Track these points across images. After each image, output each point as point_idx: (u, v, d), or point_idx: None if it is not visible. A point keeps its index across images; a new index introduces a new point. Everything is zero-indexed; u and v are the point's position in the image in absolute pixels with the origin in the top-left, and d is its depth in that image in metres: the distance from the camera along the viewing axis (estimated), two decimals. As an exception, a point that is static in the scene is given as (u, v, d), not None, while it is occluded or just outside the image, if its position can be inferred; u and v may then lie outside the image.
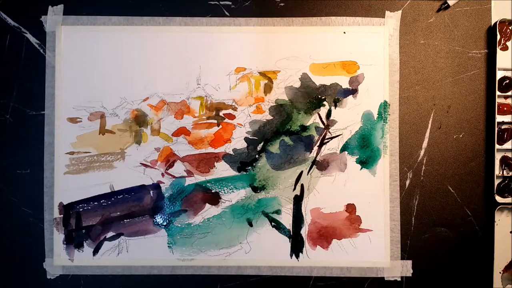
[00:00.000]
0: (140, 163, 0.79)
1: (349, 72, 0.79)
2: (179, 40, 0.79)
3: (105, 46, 0.79)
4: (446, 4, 0.78)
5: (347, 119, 0.78)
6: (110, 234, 0.79)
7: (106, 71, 0.79)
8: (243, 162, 0.79)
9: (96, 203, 0.79)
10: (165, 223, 0.79)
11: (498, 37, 0.77)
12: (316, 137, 0.79)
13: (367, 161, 0.78)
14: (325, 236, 0.78)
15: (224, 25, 0.79)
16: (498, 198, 0.77)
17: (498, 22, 0.77)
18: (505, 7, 0.78)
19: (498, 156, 0.78)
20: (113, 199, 0.79)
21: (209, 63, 0.79)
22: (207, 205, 0.79)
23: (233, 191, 0.79)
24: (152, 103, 0.79)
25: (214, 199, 0.79)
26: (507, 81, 0.77)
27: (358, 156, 0.78)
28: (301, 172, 0.78)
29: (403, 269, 0.78)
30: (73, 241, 0.79)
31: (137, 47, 0.79)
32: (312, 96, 0.79)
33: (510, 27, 0.78)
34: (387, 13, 0.79)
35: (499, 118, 0.77)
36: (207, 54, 0.79)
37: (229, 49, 0.79)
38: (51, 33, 0.79)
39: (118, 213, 0.79)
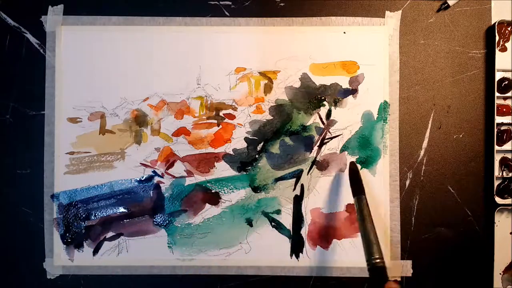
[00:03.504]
0: (140, 163, 0.79)
1: (349, 72, 0.79)
2: (179, 40, 0.79)
3: (105, 46, 0.79)
4: (446, 4, 0.78)
5: (347, 119, 0.79)
6: (110, 234, 0.79)
7: (106, 71, 0.79)
8: (243, 162, 0.79)
9: (96, 203, 0.79)
10: (165, 223, 0.79)
11: (497, 38, 0.77)
12: (316, 137, 0.79)
13: (367, 161, 0.78)
14: (325, 236, 0.78)
15: (224, 25, 0.79)
16: (498, 200, 0.77)
17: (496, 23, 0.77)
18: (505, 7, 0.78)
19: (497, 157, 0.78)
20: (113, 199, 0.79)
21: (209, 63, 0.79)
22: (207, 205, 0.79)
23: (233, 191, 0.79)
24: (152, 103, 0.79)
25: (214, 199, 0.79)
26: (506, 82, 0.77)
27: (358, 156, 0.78)
28: (301, 172, 0.78)
29: (403, 269, 0.78)
30: (73, 241, 0.79)
31: (137, 47, 0.79)
32: (312, 96, 0.79)
33: (509, 28, 0.78)
34: (387, 13, 0.79)
35: (498, 119, 0.77)
36: (207, 54, 0.79)
37: (229, 49, 0.79)
38: (51, 33, 0.79)
39: (118, 213, 0.79)
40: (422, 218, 0.78)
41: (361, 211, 0.65)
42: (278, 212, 0.78)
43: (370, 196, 0.78)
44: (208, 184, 0.79)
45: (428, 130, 0.79)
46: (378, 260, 0.43)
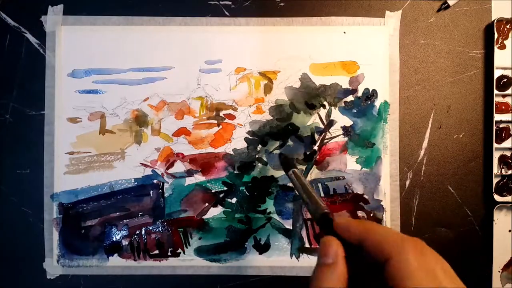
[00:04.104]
0: (140, 163, 0.79)
1: (349, 72, 0.79)
2: (179, 40, 0.79)
3: (105, 46, 0.79)
4: (446, 4, 0.78)
5: (347, 119, 0.78)
6: (109, 234, 0.79)
7: (106, 71, 0.79)
8: (243, 162, 0.79)
9: (96, 203, 0.79)
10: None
11: (496, 36, 0.77)
12: (316, 137, 0.79)
13: (367, 161, 0.78)
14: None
15: (224, 25, 0.79)
16: (497, 197, 0.77)
17: (495, 21, 0.77)
18: (505, 6, 0.79)
19: (496, 155, 0.78)
20: (113, 199, 0.79)
21: (209, 63, 0.79)
22: (207, 205, 0.79)
23: (233, 191, 0.79)
24: (153, 103, 0.79)
25: (214, 199, 0.79)
26: (505, 79, 0.78)
27: (358, 156, 0.78)
28: (301, 172, 0.78)
29: (403, 268, 0.78)
30: (73, 241, 0.79)
31: (137, 47, 0.79)
32: (312, 96, 0.79)
33: (508, 26, 0.78)
34: (387, 13, 0.79)
35: (497, 117, 0.77)
36: (207, 54, 0.79)
37: (229, 49, 0.79)
38: (51, 33, 0.79)
39: (118, 213, 0.79)
40: (422, 218, 0.78)
41: (298, 178, 0.58)
42: (278, 212, 0.78)
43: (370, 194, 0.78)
44: (208, 184, 0.79)
45: (428, 130, 0.79)
46: (326, 210, 0.43)
